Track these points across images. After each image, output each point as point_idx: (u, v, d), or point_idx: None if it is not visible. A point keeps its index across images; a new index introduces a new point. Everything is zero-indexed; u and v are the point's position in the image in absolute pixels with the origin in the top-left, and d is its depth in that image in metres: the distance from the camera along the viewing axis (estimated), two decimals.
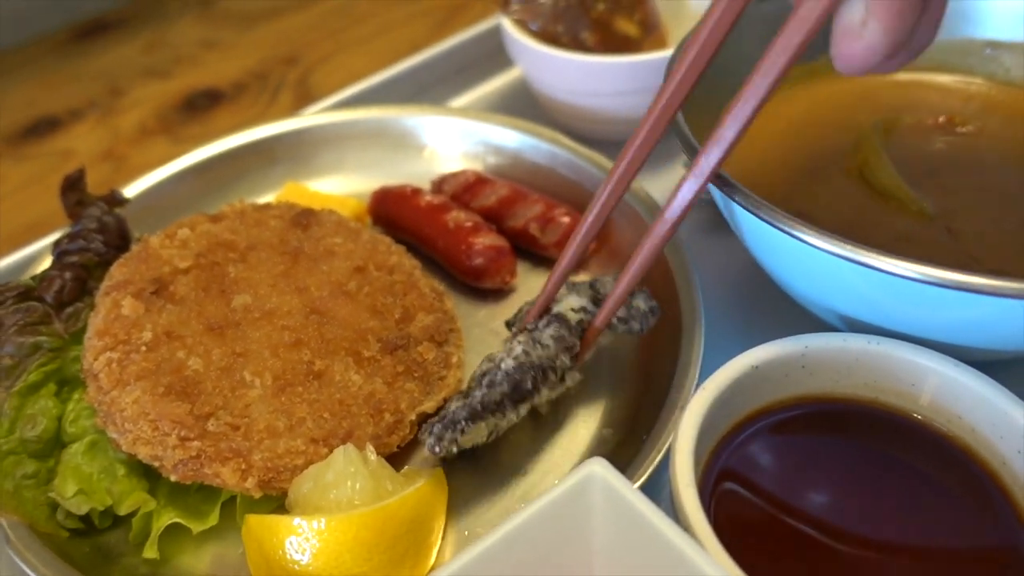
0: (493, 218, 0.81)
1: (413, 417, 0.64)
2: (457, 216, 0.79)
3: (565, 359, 0.64)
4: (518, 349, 0.63)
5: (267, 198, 0.85)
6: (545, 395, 0.64)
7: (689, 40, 0.58)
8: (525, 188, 0.83)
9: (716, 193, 0.63)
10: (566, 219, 0.78)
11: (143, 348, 0.63)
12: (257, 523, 0.57)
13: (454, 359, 0.69)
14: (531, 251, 0.80)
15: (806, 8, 0.48)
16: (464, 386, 0.65)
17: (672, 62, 0.68)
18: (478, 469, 0.65)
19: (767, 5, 0.64)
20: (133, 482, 0.61)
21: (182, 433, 0.59)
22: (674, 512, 0.49)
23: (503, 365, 0.62)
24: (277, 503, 0.61)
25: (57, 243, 0.72)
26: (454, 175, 0.85)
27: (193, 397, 0.61)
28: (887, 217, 0.66)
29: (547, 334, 0.64)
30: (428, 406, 0.65)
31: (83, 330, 0.66)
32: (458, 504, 0.63)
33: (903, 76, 0.78)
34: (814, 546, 0.52)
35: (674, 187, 0.56)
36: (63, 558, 0.58)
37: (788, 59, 0.50)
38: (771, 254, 0.64)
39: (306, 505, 0.58)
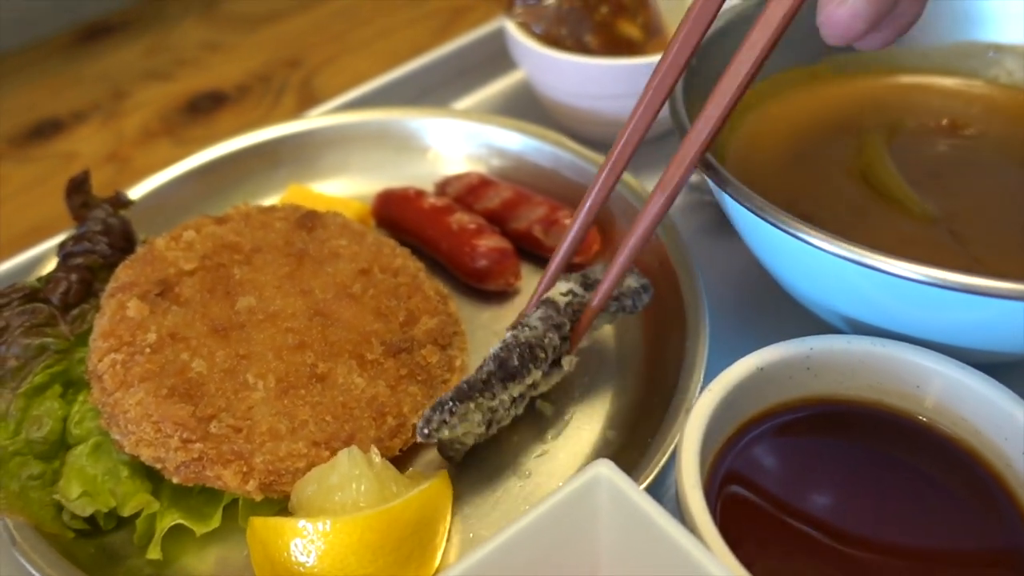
0: (497, 220, 0.81)
1: (416, 420, 0.64)
2: (461, 218, 0.79)
3: (554, 337, 0.63)
4: (507, 336, 0.63)
5: (271, 200, 0.85)
6: (538, 376, 0.63)
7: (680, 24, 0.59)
8: (528, 190, 0.83)
9: (720, 195, 0.63)
10: (569, 221, 0.78)
11: (147, 350, 0.63)
12: (262, 525, 0.57)
13: (457, 362, 0.69)
14: (535, 253, 0.80)
15: None
16: None
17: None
18: (483, 471, 0.65)
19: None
20: (137, 484, 0.61)
21: (184, 435, 0.60)
22: (679, 514, 0.49)
23: (491, 350, 0.62)
24: (279, 506, 0.61)
25: (62, 245, 0.72)
26: (458, 177, 0.86)
27: (196, 399, 0.61)
28: (890, 219, 0.66)
29: (535, 317, 0.64)
30: None
31: (89, 332, 0.66)
32: (463, 506, 0.63)
33: (906, 79, 0.79)
34: (819, 547, 0.52)
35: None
36: (68, 559, 0.58)
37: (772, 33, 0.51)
38: (775, 256, 0.64)
39: (310, 507, 0.58)
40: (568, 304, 0.64)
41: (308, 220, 0.75)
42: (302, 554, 0.55)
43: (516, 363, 0.61)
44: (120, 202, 0.77)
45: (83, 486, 0.60)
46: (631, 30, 0.92)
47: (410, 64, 1.04)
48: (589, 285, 0.66)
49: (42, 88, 1.20)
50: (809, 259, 0.57)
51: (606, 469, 0.48)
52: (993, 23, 0.77)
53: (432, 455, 0.67)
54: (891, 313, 0.59)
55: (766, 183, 0.67)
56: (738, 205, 0.59)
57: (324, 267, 0.71)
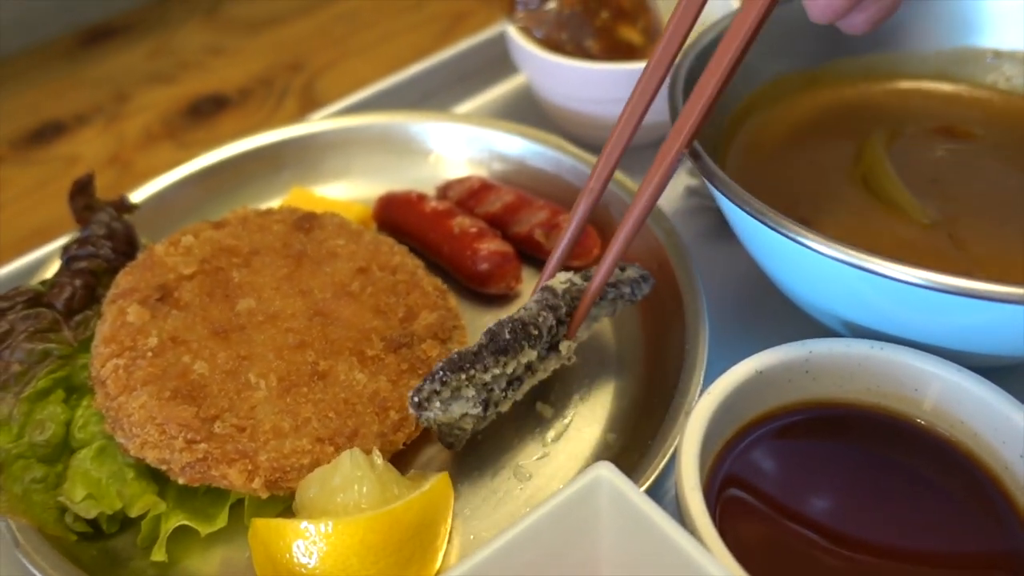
0: (498, 224, 0.81)
1: None
2: (462, 222, 0.79)
3: (549, 316, 0.63)
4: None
5: (273, 203, 0.85)
6: (533, 356, 0.63)
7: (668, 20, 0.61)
8: (530, 194, 0.83)
9: (720, 199, 0.63)
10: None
11: (149, 354, 0.63)
12: (264, 526, 0.57)
13: None
14: (536, 257, 0.80)
15: None
16: None
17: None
18: (484, 473, 0.65)
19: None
20: (143, 485, 0.61)
21: (188, 436, 0.60)
22: (679, 516, 0.49)
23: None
24: (285, 505, 0.62)
25: (66, 248, 0.72)
26: (459, 181, 0.86)
27: (199, 400, 0.62)
28: (890, 224, 0.66)
29: (531, 300, 0.64)
30: None
31: (91, 338, 0.66)
32: (464, 508, 0.64)
33: (905, 84, 0.79)
34: (818, 550, 0.52)
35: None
36: (71, 561, 0.59)
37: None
38: (775, 260, 0.64)
39: (312, 509, 0.58)
40: (566, 291, 0.65)
41: (306, 221, 0.75)
42: (304, 555, 0.55)
43: (508, 336, 0.61)
44: (124, 206, 0.77)
45: (88, 488, 0.60)
46: (632, 35, 0.92)
47: (412, 68, 1.04)
48: (588, 278, 0.66)
49: (44, 91, 1.21)
50: (808, 263, 0.58)
51: (606, 471, 0.48)
52: (991, 29, 0.77)
53: (433, 454, 0.67)
54: (890, 317, 0.59)
55: (766, 187, 0.67)
56: (738, 209, 0.59)
57: (322, 267, 0.72)
